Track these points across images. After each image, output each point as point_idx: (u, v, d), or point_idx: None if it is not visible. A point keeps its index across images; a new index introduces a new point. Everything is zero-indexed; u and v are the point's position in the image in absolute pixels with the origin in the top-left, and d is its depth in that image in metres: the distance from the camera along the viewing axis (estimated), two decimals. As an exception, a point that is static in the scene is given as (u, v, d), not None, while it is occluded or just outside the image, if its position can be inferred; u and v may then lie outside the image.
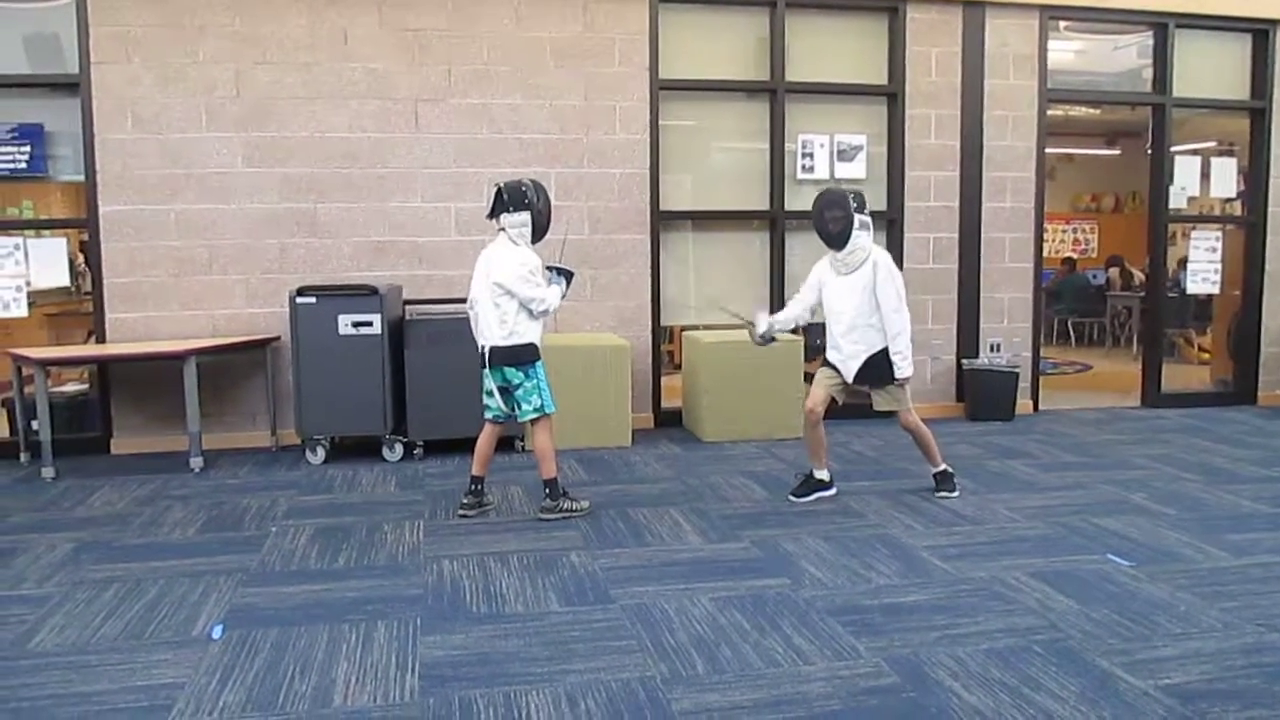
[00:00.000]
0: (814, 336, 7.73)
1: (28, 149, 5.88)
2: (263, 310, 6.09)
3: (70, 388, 6.38)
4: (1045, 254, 7.59)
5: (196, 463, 5.51)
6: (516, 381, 4.41)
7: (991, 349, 7.14)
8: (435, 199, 6.24)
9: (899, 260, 6.38)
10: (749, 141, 6.88)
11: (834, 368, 4.80)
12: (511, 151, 6.29)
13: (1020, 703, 2.71)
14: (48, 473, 5.38)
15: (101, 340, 5.98)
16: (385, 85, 6.14)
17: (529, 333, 4.38)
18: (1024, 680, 2.84)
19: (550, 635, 3.19)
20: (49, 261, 5.99)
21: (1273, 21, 7.32)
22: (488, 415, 4.54)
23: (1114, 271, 12.34)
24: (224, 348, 5.77)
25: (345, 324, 5.58)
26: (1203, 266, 7.59)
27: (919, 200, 6.89)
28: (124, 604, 3.50)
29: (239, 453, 5.99)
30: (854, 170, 6.82)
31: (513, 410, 4.49)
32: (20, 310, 5.94)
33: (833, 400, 4.82)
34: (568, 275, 4.52)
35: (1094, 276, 12.44)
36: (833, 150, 6.85)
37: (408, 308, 6.10)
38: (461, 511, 4.60)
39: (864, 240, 4.66)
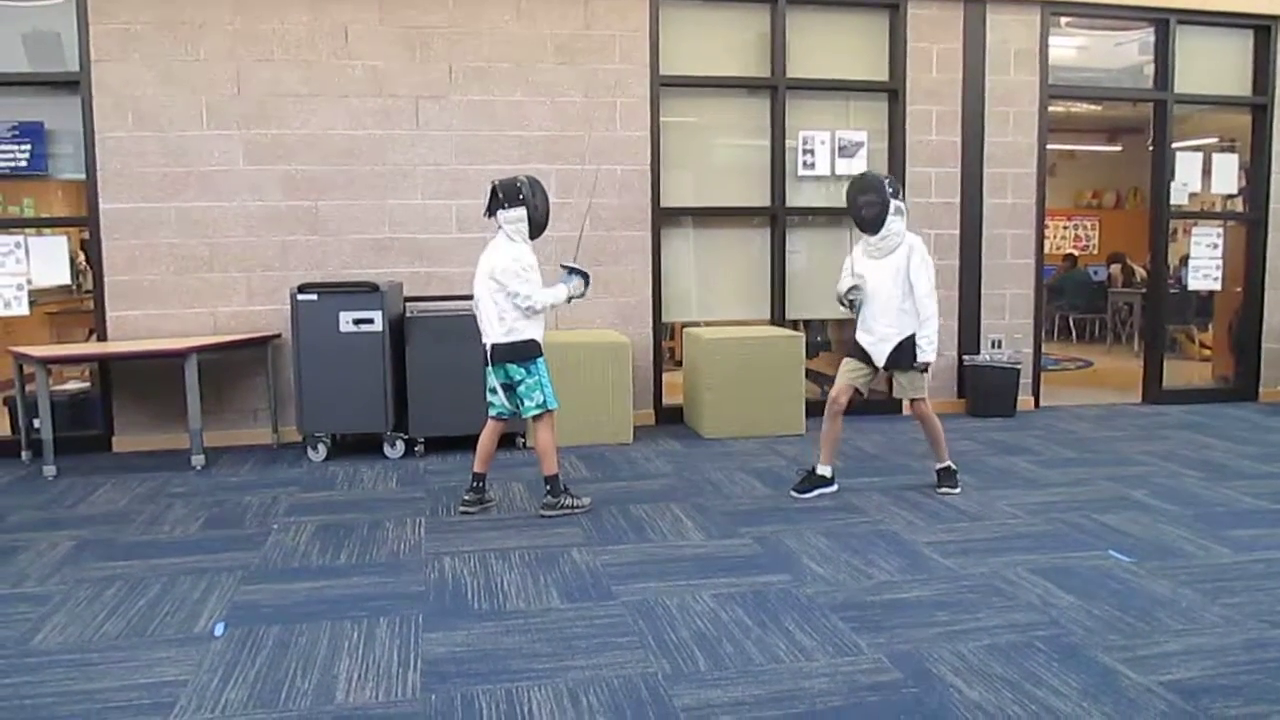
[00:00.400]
0: (814, 333, 7.76)
1: (28, 147, 5.88)
2: (264, 308, 6.09)
3: (71, 386, 6.38)
4: (1046, 250, 7.58)
5: (198, 460, 5.51)
6: (519, 378, 4.40)
7: (993, 345, 7.14)
8: (436, 196, 6.24)
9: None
10: (750, 138, 6.87)
11: (861, 355, 4.80)
12: (512, 148, 6.29)
13: (1022, 698, 2.71)
14: (49, 471, 5.38)
15: (102, 338, 5.98)
16: (386, 82, 6.14)
17: (528, 329, 4.38)
18: (1025, 676, 2.85)
19: (552, 631, 3.20)
20: (50, 260, 5.99)
21: (1274, 17, 7.30)
22: (492, 413, 4.54)
23: (1115, 268, 12.34)
24: (225, 345, 5.77)
25: (346, 321, 5.58)
26: (1204, 263, 7.58)
27: (920, 196, 6.88)
28: (126, 602, 3.51)
29: (240, 450, 5.99)
30: (855, 167, 6.81)
31: (517, 407, 4.49)
32: (21, 309, 5.94)
33: (855, 393, 4.83)
34: (581, 274, 4.50)
35: (1095, 273, 12.43)
36: (834, 146, 6.84)
37: (409, 305, 6.10)
38: (463, 508, 4.61)
39: (898, 225, 4.67)
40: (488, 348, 4.41)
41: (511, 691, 2.77)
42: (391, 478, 5.34)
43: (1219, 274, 7.60)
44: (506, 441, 5.66)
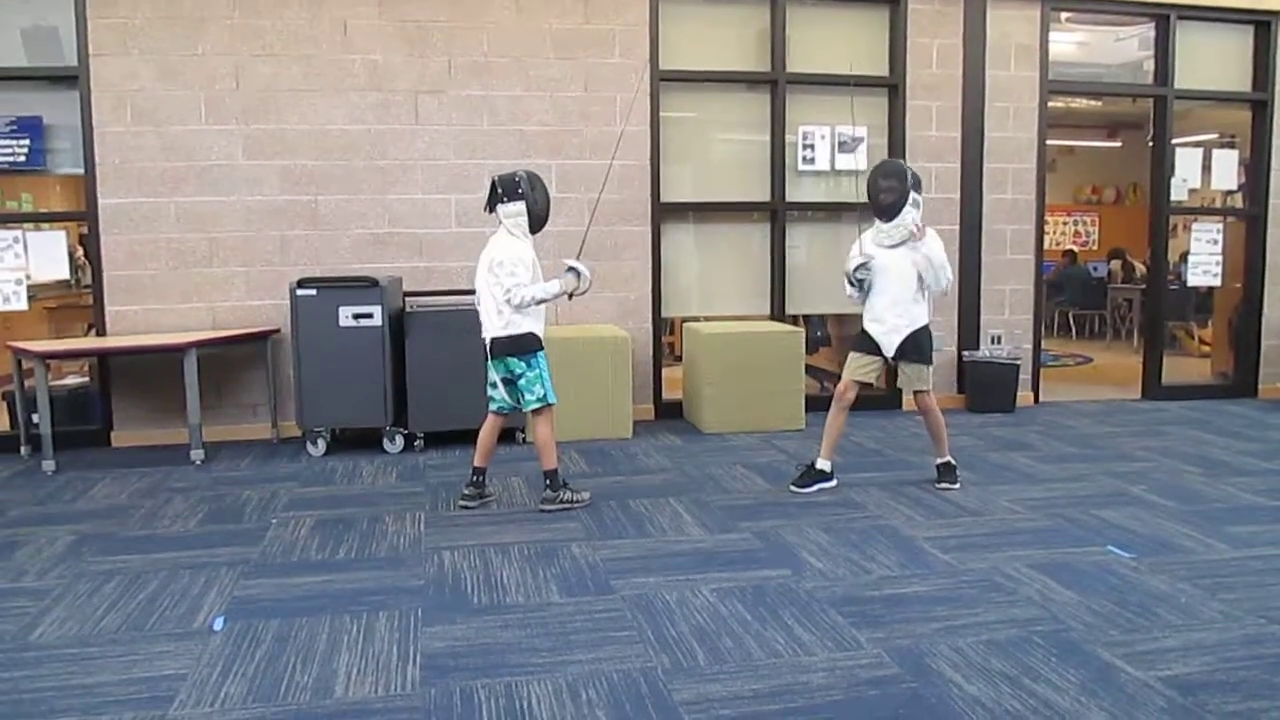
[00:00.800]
0: (814, 328, 7.76)
1: (27, 142, 5.87)
2: (263, 302, 6.08)
3: (70, 380, 6.39)
4: (1046, 246, 7.58)
5: (197, 455, 5.51)
6: (519, 371, 4.40)
7: (992, 341, 7.14)
8: (436, 190, 6.24)
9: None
10: (750, 133, 6.86)
11: (870, 346, 4.79)
12: (512, 143, 6.28)
13: (1020, 694, 2.71)
14: (48, 466, 5.38)
15: (101, 333, 5.98)
16: (385, 76, 6.13)
17: (526, 322, 4.36)
18: (1024, 671, 2.85)
19: (551, 626, 3.20)
20: (49, 254, 5.98)
21: (1274, 13, 7.29)
22: (492, 407, 4.54)
23: (1115, 264, 12.34)
24: (224, 340, 5.77)
25: (346, 316, 5.57)
26: (1204, 259, 7.58)
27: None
28: (125, 596, 3.51)
29: (239, 445, 5.99)
30: (855, 162, 6.80)
31: (517, 402, 4.48)
32: (20, 303, 5.93)
33: (863, 385, 4.83)
34: (577, 272, 4.45)
35: (1095, 269, 12.43)
36: (833, 141, 6.84)
37: (408, 299, 6.09)
38: (462, 503, 4.61)
39: (912, 217, 4.66)
40: (487, 341, 4.41)
41: (511, 686, 2.77)
42: (391, 472, 5.34)
43: (1219, 270, 7.60)
44: (506, 436, 5.65)
